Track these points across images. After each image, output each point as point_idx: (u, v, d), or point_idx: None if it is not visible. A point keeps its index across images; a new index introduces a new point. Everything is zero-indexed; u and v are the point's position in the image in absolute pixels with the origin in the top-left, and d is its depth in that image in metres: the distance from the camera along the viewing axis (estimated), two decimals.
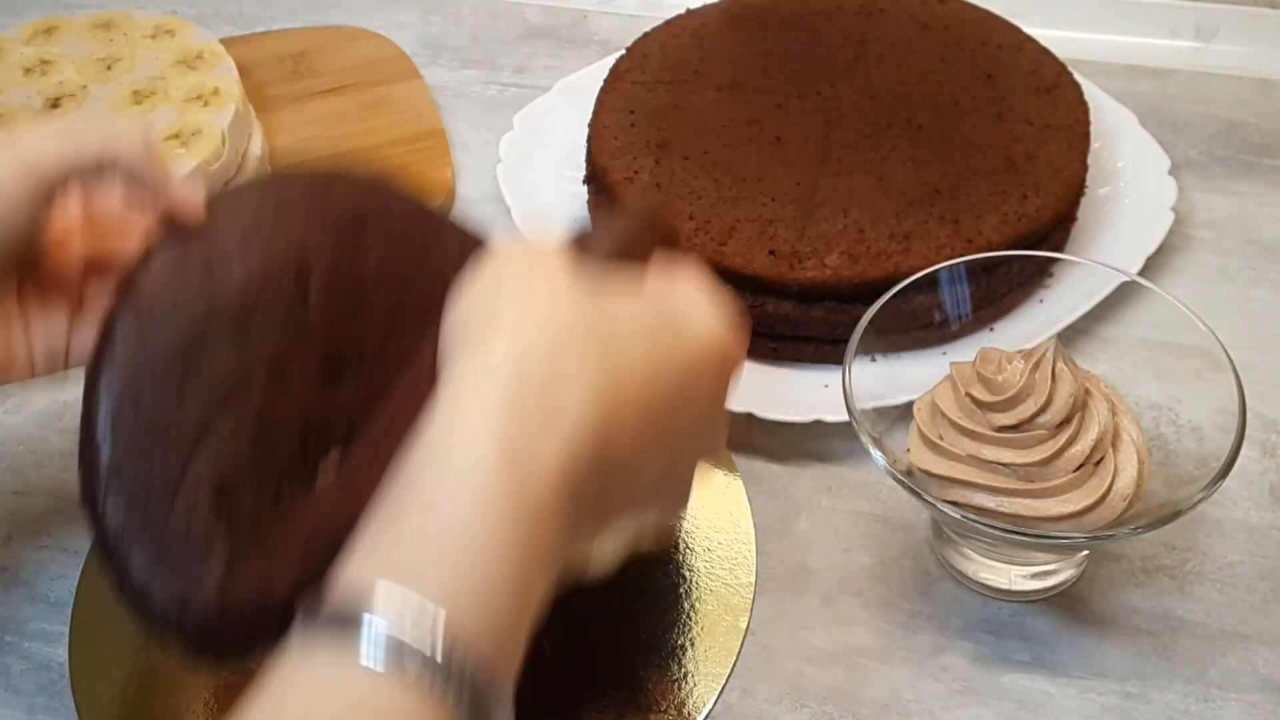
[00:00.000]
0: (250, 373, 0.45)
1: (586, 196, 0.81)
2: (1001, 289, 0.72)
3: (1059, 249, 0.76)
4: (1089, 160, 0.76)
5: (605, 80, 0.83)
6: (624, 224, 0.47)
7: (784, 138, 0.77)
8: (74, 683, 0.63)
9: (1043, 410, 0.56)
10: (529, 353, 0.38)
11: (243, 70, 0.89)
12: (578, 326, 0.39)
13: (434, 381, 0.40)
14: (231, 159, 0.84)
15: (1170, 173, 0.80)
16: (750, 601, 0.64)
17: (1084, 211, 0.78)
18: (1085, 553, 0.63)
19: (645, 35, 0.86)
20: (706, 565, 0.66)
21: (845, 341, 0.62)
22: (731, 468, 0.70)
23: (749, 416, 0.70)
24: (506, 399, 0.37)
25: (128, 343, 0.44)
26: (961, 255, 0.67)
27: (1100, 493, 0.56)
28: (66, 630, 0.65)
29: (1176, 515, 0.55)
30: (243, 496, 0.43)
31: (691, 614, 0.63)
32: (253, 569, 0.42)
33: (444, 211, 0.53)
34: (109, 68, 0.88)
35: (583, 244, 0.45)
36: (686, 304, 0.43)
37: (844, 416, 0.61)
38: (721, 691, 0.61)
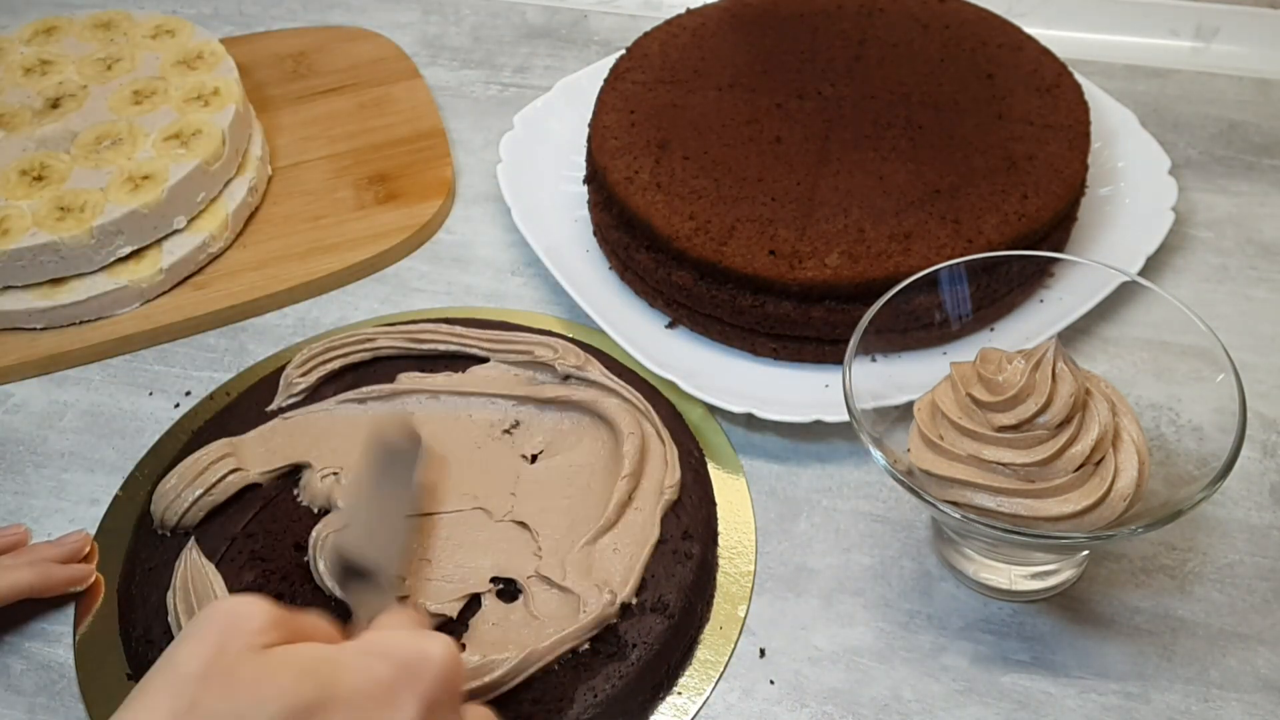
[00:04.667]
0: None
1: (586, 196, 0.81)
2: (1002, 289, 0.72)
3: (1059, 249, 0.76)
4: (1089, 160, 0.76)
5: (605, 80, 0.83)
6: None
7: (784, 137, 0.77)
8: (80, 676, 0.63)
9: (1043, 410, 0.56)
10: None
11: (243, 70, 0.89)
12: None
13: None
14: (231, 159, 0.84)
15: (1170, 173, 0.80)
16: (749, 591, 0.65)
17: (1084, 211, 0.78)
18: (1085, 553, 0.63)
19: (645, 35, 0.86)
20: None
21: (845, 341, 0.62)
22: (736, 469, 0.70)
23: (749, 416, 0.70)
24: None
25: None
26: (962, 255, 0.67)
27: (1100, 493, 0.56)
28: (66, 630, 0.65)
29: (1177, 515, 0.55)
30: None
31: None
32: None
33: None
34: (109, 68, 0.88)
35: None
36: (368, 648, 0.45)
37: (844, 416, 0.61)
38: (719, 680, 0.61)
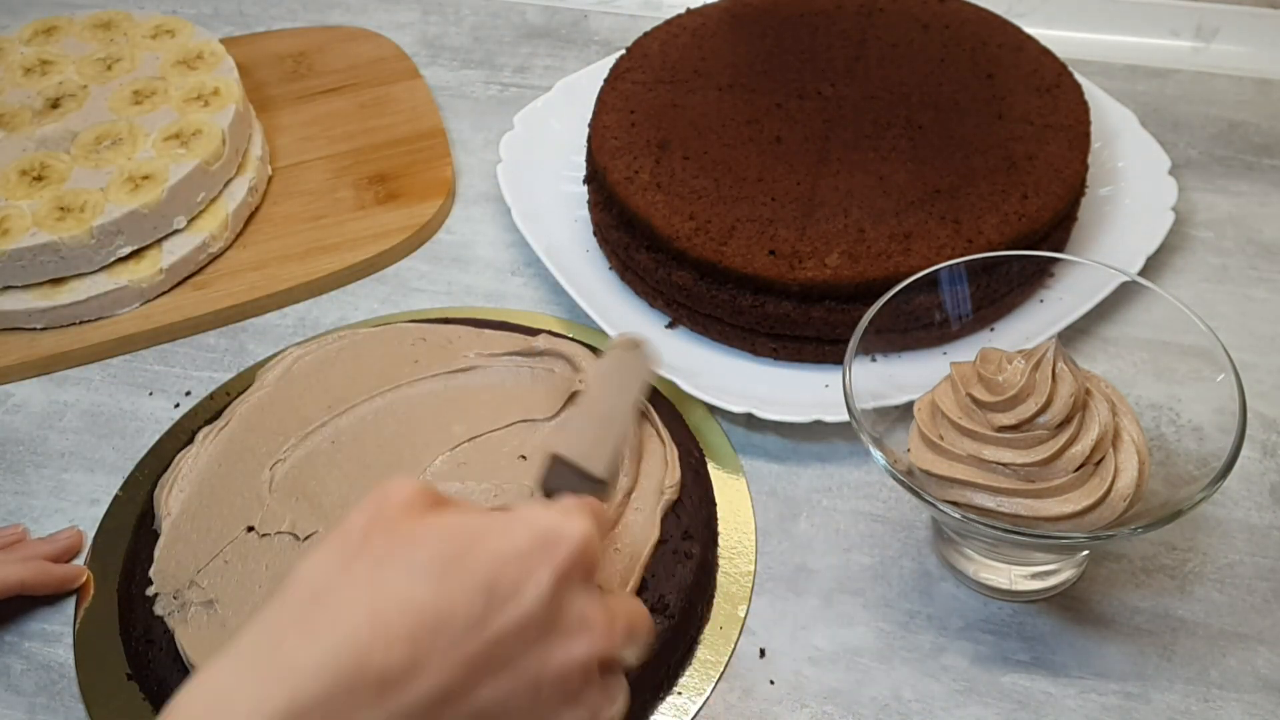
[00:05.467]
0: None
1: (587, 196, 0.81)
2: (1002, 289, 0.72)
3: (1059, 249, 0.76)
4: (1089, 160, 0.76)
5: (605, 80, 0.83)
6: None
7: (784, 138, 0.77)
8: (80, 676, 0.63)
9: (1043, 410, 0.56)
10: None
11: (243, 70, 0.89)
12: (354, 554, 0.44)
13: None
14: (231, 159, 0.84)
15: (1170, 173, 0.80)
16: (749, 590, 0.65)
17: (1084, 211, 0.78)
18: (1085, 553, 0.63)
19: (645, 35, 0.86)
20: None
21: (845, 341, 0.62)
22: (736, 469, 0.70)
23: (749, 416, 0.70)
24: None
25: None
26: (962, 255, 0.67)
27: (1100, 493, 0.56)
28: (66, 630, 0.65)
29: (1177, 515, 0.55)
30: None
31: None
32: None
33: None
34: (109, 68, 0.88)
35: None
36: (511, 517, 0.46)
37: (844, 416, 0.61)
38: (719, 680, 0.61)
